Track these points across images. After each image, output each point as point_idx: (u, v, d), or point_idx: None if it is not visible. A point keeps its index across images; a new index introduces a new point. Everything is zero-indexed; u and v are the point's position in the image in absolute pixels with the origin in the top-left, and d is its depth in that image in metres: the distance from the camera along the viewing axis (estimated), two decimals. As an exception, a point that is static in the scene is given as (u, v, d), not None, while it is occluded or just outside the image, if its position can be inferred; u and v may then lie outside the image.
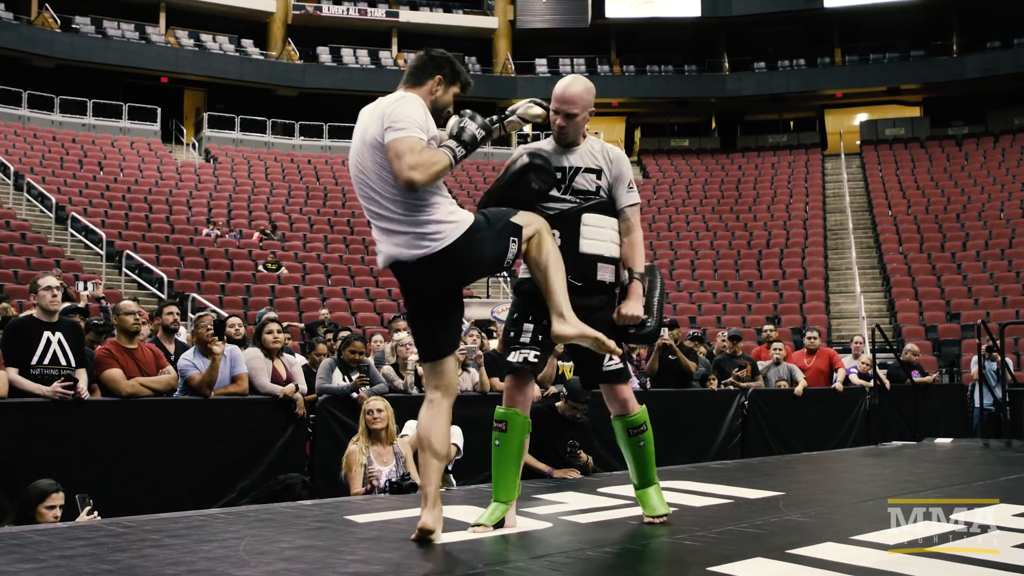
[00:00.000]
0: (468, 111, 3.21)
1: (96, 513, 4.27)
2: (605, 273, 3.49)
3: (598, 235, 3.48)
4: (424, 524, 3.07)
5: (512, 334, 3.49)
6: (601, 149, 3.60)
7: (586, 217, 3.48)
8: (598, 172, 3.55)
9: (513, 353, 3.45)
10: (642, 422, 3.61)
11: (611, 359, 3.52)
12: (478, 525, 3.30)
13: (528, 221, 3.25)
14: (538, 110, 3.43)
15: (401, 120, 3.00)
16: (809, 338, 9.91)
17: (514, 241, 3.18)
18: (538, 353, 3.42)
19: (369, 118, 3.13)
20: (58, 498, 4.23)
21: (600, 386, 3.64)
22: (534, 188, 3.37)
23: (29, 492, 4.24)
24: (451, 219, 3.07)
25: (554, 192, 3.50)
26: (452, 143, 3.11)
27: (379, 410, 5.41)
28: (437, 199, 3.09)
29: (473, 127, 3.14)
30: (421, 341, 3.33)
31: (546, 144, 3.63)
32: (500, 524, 3.33)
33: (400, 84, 3.23)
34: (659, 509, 3.56)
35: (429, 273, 3.09)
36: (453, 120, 3.20)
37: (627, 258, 3.54)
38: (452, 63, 3.23)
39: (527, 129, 26.71)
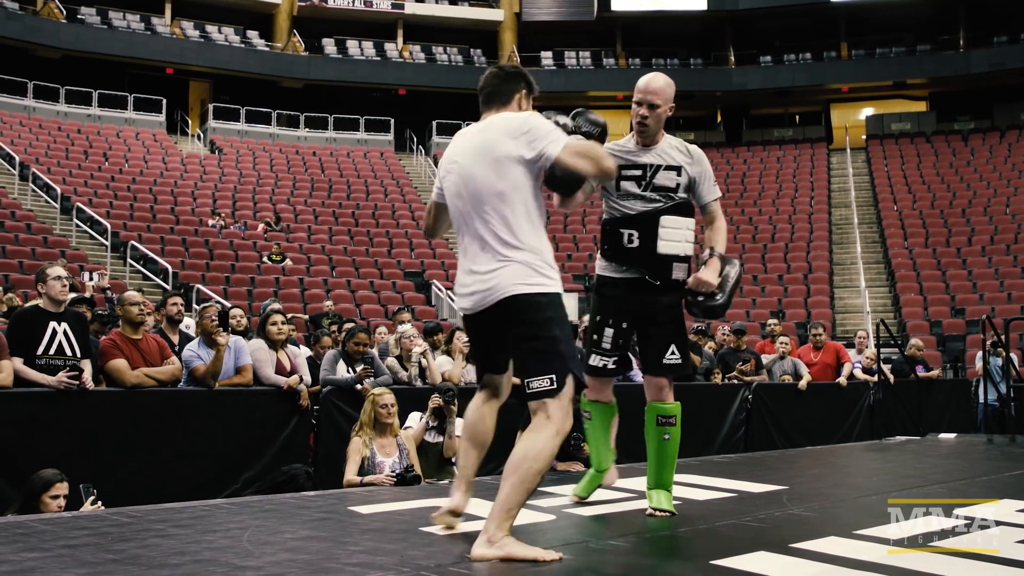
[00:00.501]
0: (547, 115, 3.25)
1: (100, 503, 4.28)
2: (679, 272, 3.66)
3: (674, 236, 3.63)
4: (456, 506, 3.17)
5: (595, 336, 3.70)
6: (681, 147, 3.72)
7: (664, 219, 3.63)
8: (678, 169, 3.66)
9: (595, 357, 3.70)
10: (672, 414, 3.69)
11: (673, 352, 3.65)
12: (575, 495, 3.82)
13: (563, 415, 2.88)
14: None
15: (550, 129, 2.97)
16: (814, 334, 9.89)
17: (551, 380, 2.83)
18: (617, 359, 3.72)
19: (483, 137, 3.02)
20: (62, 488, 4.23)
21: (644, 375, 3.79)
22: (583, 133, 3.36)
23: (33, 481, 4.25)
24: (543, 271, 2.94)
25: (635, 189, 3.65)
26: (571, 122, 3.24)
27: (392, 405, 5.42)
28: (543, 244, 2.98)
29: (567, 120, 3.24)
30: (477, 360, 3.34)
31: (624, 143, 3.75)
32: (595, 489, 3.88)
33: (486, 109, 3.13)
34: (664, 504, 3.59)
35: (490, 313, 2.98)
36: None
37: (709, 240, 3.71)
38: (525, 74, 3.22)
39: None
